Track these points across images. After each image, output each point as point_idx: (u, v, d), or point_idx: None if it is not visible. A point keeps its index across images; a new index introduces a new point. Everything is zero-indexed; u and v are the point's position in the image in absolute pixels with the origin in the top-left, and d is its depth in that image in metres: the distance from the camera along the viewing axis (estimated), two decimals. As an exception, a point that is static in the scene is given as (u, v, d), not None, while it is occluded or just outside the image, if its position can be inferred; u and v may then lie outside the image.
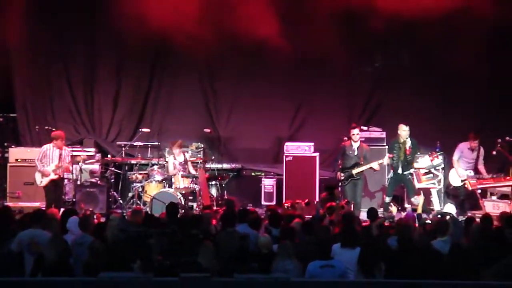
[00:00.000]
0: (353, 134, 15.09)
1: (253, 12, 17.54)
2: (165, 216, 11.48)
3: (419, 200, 14.74)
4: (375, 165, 14.93)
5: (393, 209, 15.12)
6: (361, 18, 17.20)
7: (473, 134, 15.63)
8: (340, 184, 15.13)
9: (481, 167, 15.57)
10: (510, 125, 17.43)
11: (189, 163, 15.99)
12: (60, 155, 14.91)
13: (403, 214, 14.72)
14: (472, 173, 15.49)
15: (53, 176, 14.81)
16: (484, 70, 17.70)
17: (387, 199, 15.24)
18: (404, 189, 16.99)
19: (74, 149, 16.77)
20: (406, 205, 16.60)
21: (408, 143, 14.96)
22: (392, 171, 15.20)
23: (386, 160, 15.20)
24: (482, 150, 15.63)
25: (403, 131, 15.01)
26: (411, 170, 15.18)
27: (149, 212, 13.43)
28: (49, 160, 14.86)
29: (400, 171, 15.04)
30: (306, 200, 14.23)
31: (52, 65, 18.50)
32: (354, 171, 14.91)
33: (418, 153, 15.74)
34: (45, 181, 14.87)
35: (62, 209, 13.64)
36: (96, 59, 18.57)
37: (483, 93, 17.85)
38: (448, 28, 17.33)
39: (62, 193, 15.43)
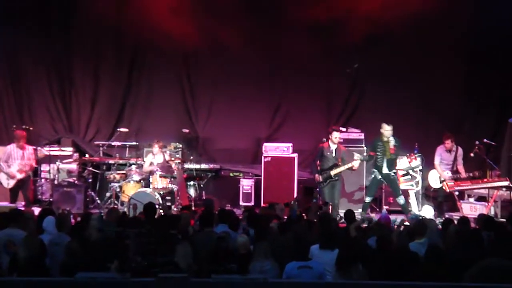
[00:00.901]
0: (335, 137, 15.04)
1: (231, 14, 17.56)
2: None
3: (403, 200, 14.80)
4: (356, 163, 14.93)
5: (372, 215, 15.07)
6: (339, 21, 17.20)
7: (446, 134, 15.66)
8: (318, 186, 15.14)
9: (460, 167, 15.57)
10: (487, 127, 17.57)
11: (167, 162, 15.97)
12: (23, 154, 14.93)
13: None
14: (449, 174, 15.52)
15: (19, 176, 14.86)
16: (462, 72, 17.80)
17: (368, 199, 15.21)
18: (382, 191, 17.06)
19: (51, 148, 16.70)
20: (385, 207, 16.69)
21: (392, 141, 14.91)
22: (375, 171, 15.14)
23: (364, 158, 15.21)
24: (460, 150, 15.66)
25: (386, 130, 14.95)
26: (394, 170, 15.14)
27: (127, 213, 13.39)
28: (13, 161, 14.98)
29: (385, 170, 14.97)
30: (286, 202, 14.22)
31: (29, 64, 18.39)
32: (333, 172, 14.90)
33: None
34: (12, 183, 14.96)
35: (35, 208, 13.66)
36: (74, 58, 18.48)
37: (461, 95, 17.97)
38: (426, 31, 17.39)
39: (28, 191, 15.38)
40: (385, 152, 14.90)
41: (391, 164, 14.97)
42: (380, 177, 15.03)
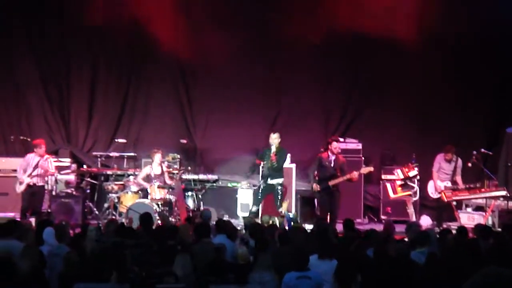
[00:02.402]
0: (334, 147, 15.00)
1: (229, 26, 17.59)
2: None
3: (284, 208, 14.76)
4: (354, 175, 14.87)
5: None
6: (336, 33, 17.20)
7: (448, 147, 15.70)
8: (317, 196, 15.15)
9: (458, 178, 15.60)
10: (484, 137, 17.58)
11: (165, 173, 15.96)
12: (38, 162, 14.92)
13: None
14: (449, 184, 15.54)
15: (27, 181, 14.84)
16: (459, 82, 17.82)
17: (254, 208, 15.11)
18: (380, 200, 17.08)
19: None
20: (382, 216, 16.69)
21: (273, 149, 14.89)
22: (262, 180, 15.11)
23: (364, 170, 15.19)
24: (460, 161, 15.68)
25: (271, 138, 15.00)
26: (279, 180, 14.95)
27: (125, 223, 13.36)
28: (30, 168, 14.95)
29: (269, 180, 14.94)
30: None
31: (27, 74, 18.39)
32: (331, 183, 14.88)
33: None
34: (23, 187, 14.93)
35: (37, 218, 13.63)
36: (72, 68, 18.50)
37: (458, 105, 17.97)
38: (422, 44, 17.38)
39: (40, 202, 15.31)
40: (268, 161, 14.90)
41: (274, 173, 14.91)
42: (265, 186, 15.00)
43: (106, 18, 17.25)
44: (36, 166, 14.96)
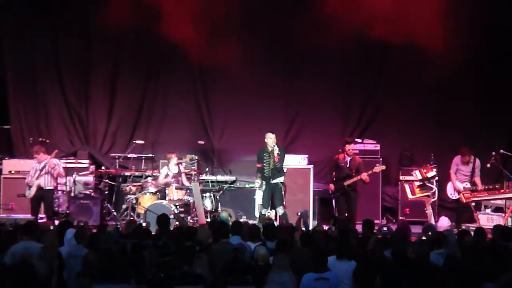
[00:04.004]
0: (349, 150, 15.15)
1: (247, 28, 17.60)
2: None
3: (282, 211, 14.74)
4: (364, 176, 14.94)
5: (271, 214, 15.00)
6: (356, 34, 17.13)
7: (464, 149, 15.62)
8: (333, 196, 15.19)
9: (477, 179, 15.51)
10: (503, 138, 17.46)
11: (183, 175, 16.01)
12: (43, 167, 14.98)
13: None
14: (468, 185, 15.47)
15: (36, 182, 14.91)
16: (478, 82, 17.70)
17: (264, 211, 15.09)
18: (398, 201, 17.02)
19: (68, 161, 16.80)
20: (401, 218, 16.64)
21: (276, 150, 14.90)
22: (263, 182, 15.05)
23: (377, 169, 15.24)
24: (478, 162, 15.60)
25: (270, 138, 14.99)
26: (281, 179, 15.01)
27: (143, 224, 13.40)
28: (35, 172, 15.03)
29: (272, 180, 14.93)
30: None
31: (46, 76, 18.47)
32: (346, 183, 14.95)
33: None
34: (33, 191, 14.99)
35: (55, 220, 13.69)
36: (91, 70, 18.54)
37: (477, 106, 17.84)
38: (442, 43, 17.27)
39: (49, 204, 15.32)
40: (270, 162, 14.88)
41: (277, 173, 14.93)
42: (268, 187, 14.97)
43: (125, 22, 17.24)
44: (43, 167, 15.03)
